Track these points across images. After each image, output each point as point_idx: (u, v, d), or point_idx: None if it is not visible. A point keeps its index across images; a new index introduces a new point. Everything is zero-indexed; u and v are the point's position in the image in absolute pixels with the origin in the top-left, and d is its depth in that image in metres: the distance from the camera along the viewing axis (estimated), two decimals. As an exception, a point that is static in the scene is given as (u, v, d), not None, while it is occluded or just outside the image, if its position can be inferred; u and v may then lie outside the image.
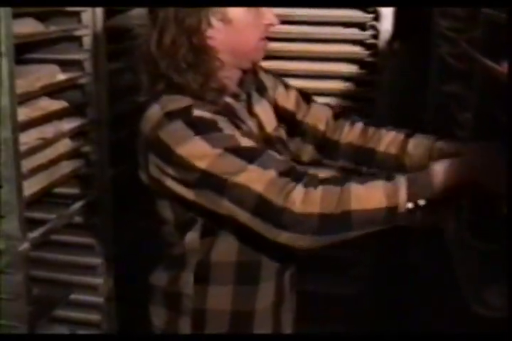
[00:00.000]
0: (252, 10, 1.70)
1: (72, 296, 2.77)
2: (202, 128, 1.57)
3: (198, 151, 1.55)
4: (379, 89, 3.80)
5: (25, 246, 2.18)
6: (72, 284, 2.81)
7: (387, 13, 3.66)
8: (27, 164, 2.23)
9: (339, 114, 2.03)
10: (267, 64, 2.10)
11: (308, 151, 2.01)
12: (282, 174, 1.51)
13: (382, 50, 3.68)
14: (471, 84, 2.32)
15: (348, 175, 1.55)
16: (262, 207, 1.50)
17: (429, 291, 2.93)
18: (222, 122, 1.62)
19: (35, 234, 2.32)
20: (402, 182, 1.46)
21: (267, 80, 1.99)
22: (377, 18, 3.71)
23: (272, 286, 1.80)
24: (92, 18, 2.59)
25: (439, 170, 1.46)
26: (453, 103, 2.77)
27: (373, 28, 3.74)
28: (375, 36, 3.72)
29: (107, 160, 2.75)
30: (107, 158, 2.74)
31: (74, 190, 2.70)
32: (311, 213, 1.46)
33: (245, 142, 1.58)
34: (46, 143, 2.37)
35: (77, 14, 2.58)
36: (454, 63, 2.74)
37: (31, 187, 2.28)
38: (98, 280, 2.86)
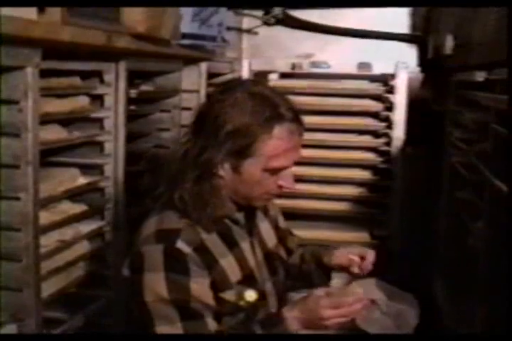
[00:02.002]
0: (270, 171, 1.80)
1: None
2: (172, 266, 1.76)
3: (154, 288, 1.75)
4: (392, 195, 3.86)
5: (40, 348, 2.18)
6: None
7: (399, 122, 3.76)
8: (45, 266, 2.25)
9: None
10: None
11: None
12: None
13: (394, 156, 3.76)
14: (481, 195, 2.35)
15: None
16: None
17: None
18: (195, 264, 1.78)
19: (50, 335, 2.32)
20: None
21: (269, 204, 2.14)
22: (389, 126, 3.81)
23: None
24: (115, 123, 2.67)
25: (289, 317, 1.82)
26: (465, 211, 2.80)
27: (386, 135, 3.84)
28: (388, 143, 3.82)
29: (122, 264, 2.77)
30: (123, 259, 2.76)
31: (90, 291, 2.70)
32: None
33: (200, 294, 1.77)
34: (65, 246, 2.41)
35: (100, 120, 2.66)
36: (465, 173, 2.78)
37: (49, 288, 2.29)
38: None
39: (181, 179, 1.82)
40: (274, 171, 1.80)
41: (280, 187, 1.86)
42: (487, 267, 2.27)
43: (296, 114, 1.82)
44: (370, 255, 2.02)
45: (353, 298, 1.80)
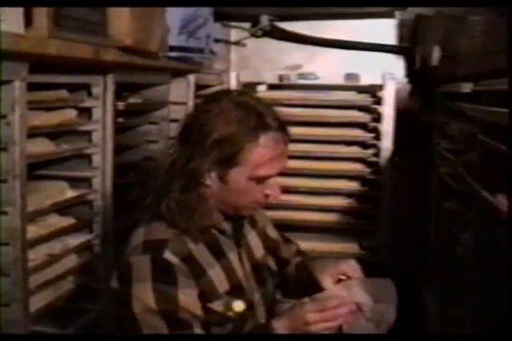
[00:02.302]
0: (256, 179, 1.81)
1: None
2: (160, 277, 1.77)
3: (142, 299, 1.75)
4: (380, 206, 3.86)
5: (28, 363, 2.16)
6: None
7: (387, 133, 3.77)
8: (34, 280, 2.23)
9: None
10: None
11: None
12: None
13: (383, 167, 3.77)
14: (469, 206, 2.37)
15: None
16: None
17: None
18: (183, 274, 1.79)
19: (39, 349, 2.30)
20: None
21: (257, 215, 2.14)
22: (377, 137, 3.82)
23: None
24: (103, 136, 2.67)
25: (277, 327, 1.81)
26: (453, 221, 2.81)
27: (374, 146, 3.85)
28: (376, 154, 3.83)
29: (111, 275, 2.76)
30: (112, 272, 2.75)
31: (80, 304, 2.69)
32: None
33: (188, 305, 1.78)
34: (54, 259, 2.39)
35: (88, 133, 2.65)
36: (452, 184, 2.79)
37: (37, 302, 2.28)
38: None
39: (168, 189, 1.84)
40: (260, 180, 1.82)
41: (266, 196, 1.87)
42: (475, 276, 2.28)
43: (281, 123, 1.85)
44: (358, 274, 2.00)
45: (338, 300, 1.81)
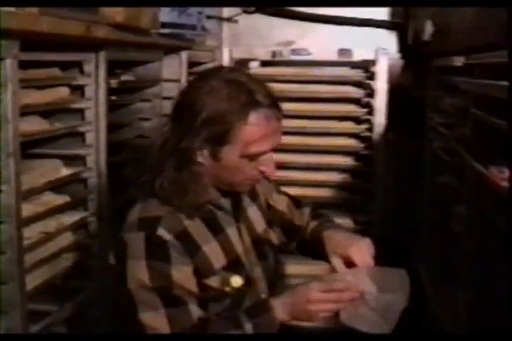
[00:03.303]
0: (248, 157, 1.81)
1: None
2: (154, 253, 1.78)
3: (137, 276, 1.78)
4: (374, 181, 3.87)
5: (26, 341, 2.17)
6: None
7: (380, 108, 3.77)
8: (29, 258, 2.24)
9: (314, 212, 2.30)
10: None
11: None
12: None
13: (376, 142, 3.78)
14: (462, 180, 2.37)
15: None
16: None
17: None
18: (176, 251, 1.80)
19: (36, 327, 2.31)
20: (249, 329, 1.80)
21: (259, 186, 2.12)
22: (371, 112, 3.82)
23: None
24: (96, 114, 2.66)
25: (276, 304, 1.82)
26: (446, 195, 2.82)
27: (368, 121, 3.85)
28: (370, 129, 3.83)
29: (108, 252, 2.77)
30: (108, 250, 2.76)
31: (76, 282, 2.70)
32: None
33: (182, 281, 1.79)
34: (49, 237, 2.40)
35: (81, 111, 2.65)
36: (446, 158, 2.80)
37: (33, 280, 2.28)
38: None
39: (162, 167, 1.84)
40: (253, 157, 1.81)
41: (261, 172, 1.87)
42: (469, 250, 2.29)
43: (273, 100, 1.83)
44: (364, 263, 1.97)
45: (344, 284, 1.81)
